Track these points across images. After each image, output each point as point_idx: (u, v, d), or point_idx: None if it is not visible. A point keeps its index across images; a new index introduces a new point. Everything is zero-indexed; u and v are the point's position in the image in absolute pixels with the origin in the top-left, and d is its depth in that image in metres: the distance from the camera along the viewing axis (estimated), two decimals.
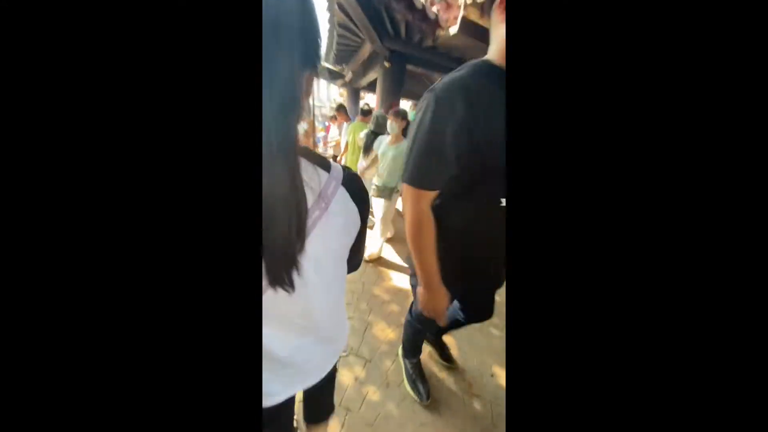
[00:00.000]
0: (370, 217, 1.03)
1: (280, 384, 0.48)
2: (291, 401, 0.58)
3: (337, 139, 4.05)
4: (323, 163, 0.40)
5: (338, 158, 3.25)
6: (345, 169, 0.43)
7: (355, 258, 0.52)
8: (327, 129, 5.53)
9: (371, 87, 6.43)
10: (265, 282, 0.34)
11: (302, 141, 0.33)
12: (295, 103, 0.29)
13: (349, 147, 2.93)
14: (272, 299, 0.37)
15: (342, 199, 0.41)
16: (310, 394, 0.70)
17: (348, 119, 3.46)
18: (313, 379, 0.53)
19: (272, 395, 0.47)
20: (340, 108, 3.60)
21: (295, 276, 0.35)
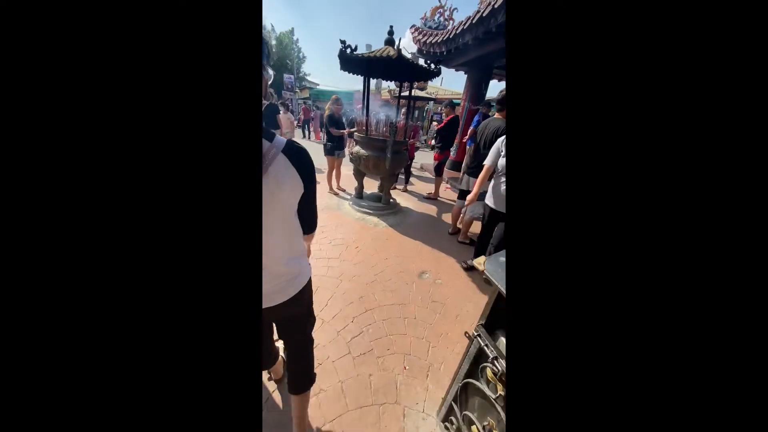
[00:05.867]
0: None
1: None
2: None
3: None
4: (268, 135, 0.59)
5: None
6: (289, 140, 0.61)
7: (308, 219, 0.77)
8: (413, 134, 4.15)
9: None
10: None
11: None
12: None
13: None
14: None
15: (282, 163, 0.58)
16: (293, 369, 0.96)
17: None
18: (275, 300, 0.74)
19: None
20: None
21: None
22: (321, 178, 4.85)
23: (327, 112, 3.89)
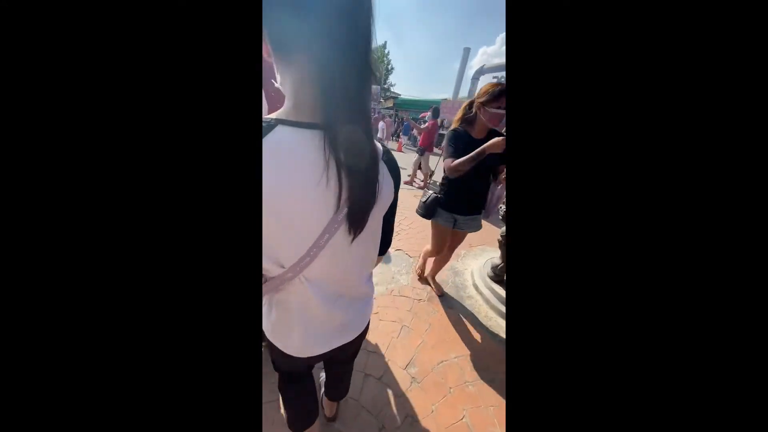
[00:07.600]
0: None
1: (322, 340, 0.58)
2: (309, 370, 0.80)
3: None
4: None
5: None
6: (384, 147, 0.52)
7: (387, 235, 0.62)
8: None
9: None
10: (327, 234, 0.43)
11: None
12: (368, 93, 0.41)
13: None
14: (319, 262, 0.46)
15: (382, 171, 0.49)
16: (332, 378, 0.93)
17: None
18: (348, 336, 0.62)
19: (311, 347, 0.58)
20: None
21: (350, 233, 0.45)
22: (397, 261, 2.18)
23: (453, 125, 1.43)
